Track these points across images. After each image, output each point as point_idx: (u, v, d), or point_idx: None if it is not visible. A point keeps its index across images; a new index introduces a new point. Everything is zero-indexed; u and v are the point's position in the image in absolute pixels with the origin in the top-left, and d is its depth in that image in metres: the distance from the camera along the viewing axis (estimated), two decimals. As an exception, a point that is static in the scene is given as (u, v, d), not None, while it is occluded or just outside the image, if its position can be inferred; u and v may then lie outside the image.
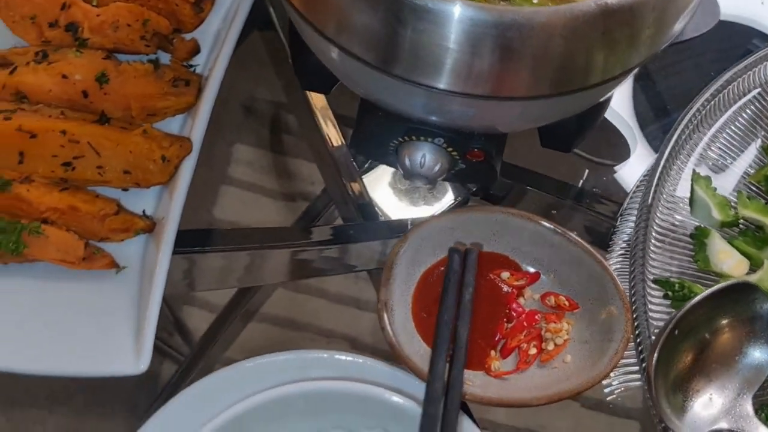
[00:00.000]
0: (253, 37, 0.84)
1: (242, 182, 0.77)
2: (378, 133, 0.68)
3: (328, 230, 0.78)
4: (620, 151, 0.85)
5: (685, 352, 0.62)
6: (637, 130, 0.85)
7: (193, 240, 0.72)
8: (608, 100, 0.77)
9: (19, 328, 0.63)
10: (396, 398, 0.55)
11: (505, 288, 0.68)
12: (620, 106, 0.86)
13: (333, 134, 0.81)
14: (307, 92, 0.81)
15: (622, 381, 0.68)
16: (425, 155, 0.67)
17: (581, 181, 0.84)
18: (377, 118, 0.68)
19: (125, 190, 0.69)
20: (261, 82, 0.83)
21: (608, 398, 0.69)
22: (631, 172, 0.81)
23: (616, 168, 0.84)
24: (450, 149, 0.67)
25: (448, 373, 0.55)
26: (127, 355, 0.61)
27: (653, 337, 0.64)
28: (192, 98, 0.71)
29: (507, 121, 0.66)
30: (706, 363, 0.63)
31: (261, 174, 0.78)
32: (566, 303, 0.67)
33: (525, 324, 0.67)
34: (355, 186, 0.79)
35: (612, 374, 0.66)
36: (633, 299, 0.66)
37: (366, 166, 0.79)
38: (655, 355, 0.60)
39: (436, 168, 0.68)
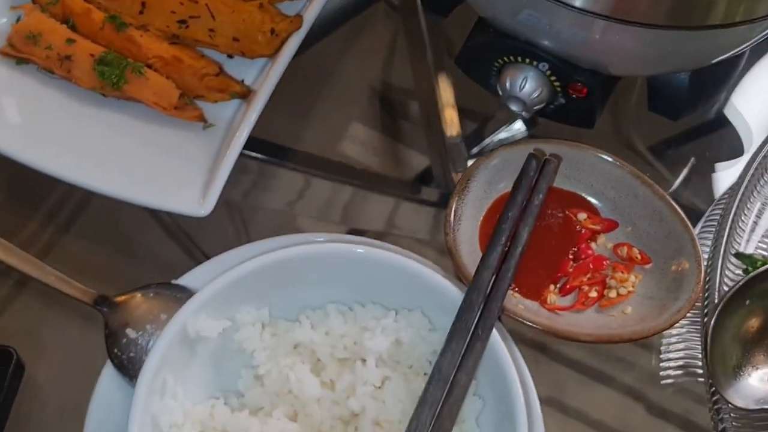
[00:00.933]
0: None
1: (350, 159, 0.76)
2: (486, 51, 0.68)
3: (436, 192, 0.76)
4: (732, 149, 0.81)
5: (751, 322, 0.59)
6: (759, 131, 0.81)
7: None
8: (727, 79, 0.74)
9: (106, 155, 0.65)
10: (440, 278, 0.54)
11: (579, 228, 0.66)
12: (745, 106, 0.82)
13: (452, 123, 0.79)
14: (436, 81, 0.80)
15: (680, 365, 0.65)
16: (527, 79, 0.67)
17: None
18: (488, 36, 0.68)
19: (230, 57, 0.71)
20: (391, 68, 0.82)
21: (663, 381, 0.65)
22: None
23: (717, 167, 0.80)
24: (553, 78, 0.66)
25: (498, 266, 0.54)
26: (195, 197, 0.62)
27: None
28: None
29: (617, 57, 0.64)
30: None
31: (371, 155, 0.77)
32: (639, 256, 0.65)
33: (591, 266, 0.64)
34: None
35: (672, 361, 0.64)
36: (709, 262, 0.63)
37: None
38: (715, 315, 0.57)
39: (535, 94, 0.67)
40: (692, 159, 0.79)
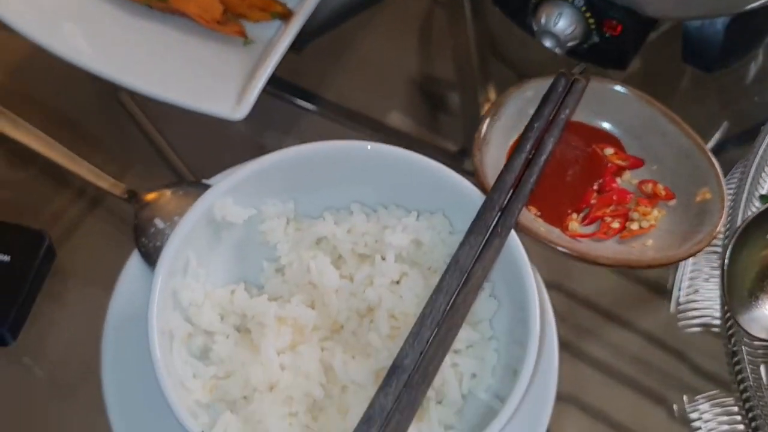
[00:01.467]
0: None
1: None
2: (523, -15, 0.69)
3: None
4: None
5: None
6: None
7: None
8: (763, 34, 0.75)
9: (151, 62, 0.68)
10: (463, 179, 0.55)
11: (605, 162, 0.67)
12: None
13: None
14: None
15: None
16: (561, 14, 0.67)
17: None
18: (525, -28, 0.69)
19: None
20: (436, 60, 0.83)
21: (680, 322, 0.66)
22: None
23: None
24: (588, 14, 0.67)
25: (522, 173, 0.55)
26: (231, 102, 0.64)
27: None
28: None
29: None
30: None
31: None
32: (663, 193, 0.65)
33: (615, 198, 0.65)
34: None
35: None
36: (732, 201, 0.64)
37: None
38: (734, 240, 0.57)
39: (569, 30, 0.68)
40: (725, 123, 0.80)
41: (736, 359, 0.59)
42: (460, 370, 0.53)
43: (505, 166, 0.55)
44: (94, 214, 0.66)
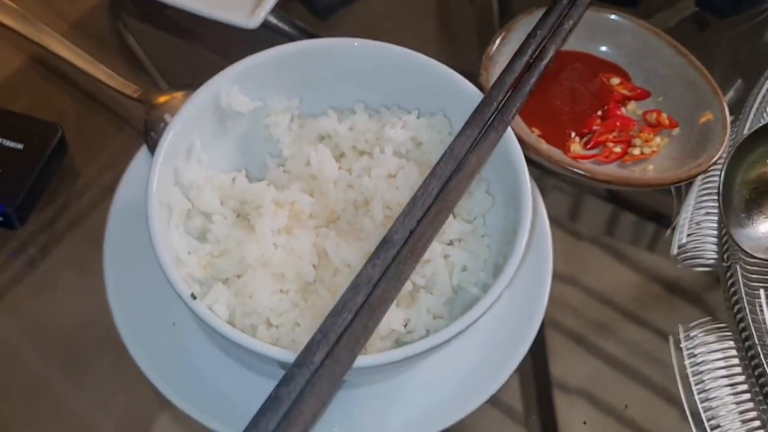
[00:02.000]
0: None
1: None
2: None
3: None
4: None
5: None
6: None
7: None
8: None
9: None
10: (464, 79, 0.56)
11: (610, 91, 0.67)
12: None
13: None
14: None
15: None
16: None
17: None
18: None
19: None
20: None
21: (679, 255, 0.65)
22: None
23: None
24: (601, -54, 0.68)
25: (520, 74, 0.56)
26: (246, 12, 0.66)
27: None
28: None
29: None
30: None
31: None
32: (667, 121, 0.66)
33: (618, 125, 0.66)
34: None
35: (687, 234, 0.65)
36: (734, 129, 0.64)
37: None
38: (732, 154, 0.58)
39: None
40: (739, 81, 0.80)
41: (731, 281, 0.59)
42: (452, 261, 0.54)
43: (506, 68, 0.56)
44: (106, 114, 0.67)
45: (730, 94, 0.77)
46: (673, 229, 0.65)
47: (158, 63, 0.71)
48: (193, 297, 0.49)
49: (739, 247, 0.57)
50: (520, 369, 0.56)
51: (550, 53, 0.57)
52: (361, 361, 0.47)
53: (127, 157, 0.61)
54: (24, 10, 0.67)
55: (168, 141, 0.53)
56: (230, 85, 0.56)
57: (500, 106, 0.54)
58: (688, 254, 0.64)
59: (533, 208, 0.52)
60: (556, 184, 0.67)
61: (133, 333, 0.55)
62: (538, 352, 0.59)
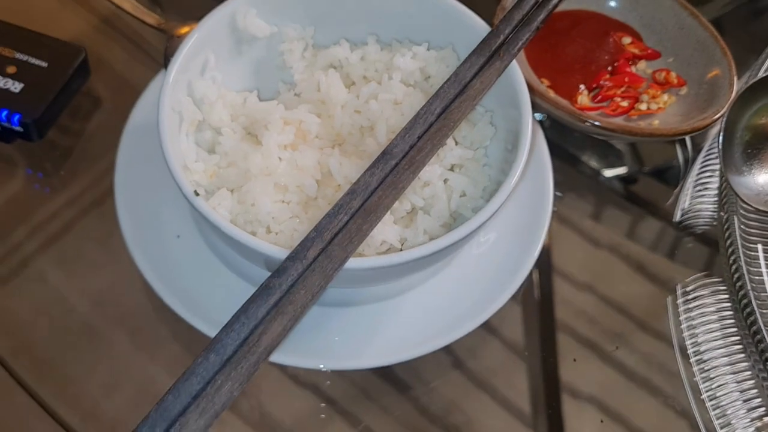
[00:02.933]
0: None
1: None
2: None
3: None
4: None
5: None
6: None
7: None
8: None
9: None
10: (474, 14, 0.57)
11: (621, 49, 0.68)
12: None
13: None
14: None
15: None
16: None
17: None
18: None
19: None
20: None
21: (681, 222, 0.66)
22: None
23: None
24: None
25: (528, 11, 0.57)
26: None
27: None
28: None
29: None
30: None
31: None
32: (675, 80, 0.67)
33: (627, 81, 0.67)
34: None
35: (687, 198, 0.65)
36: (741, 85, 0.65)
37: None
38: (733, 101, 0.58)
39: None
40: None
41: (728, 232, 0.60)
42: (451, 185, 0.55)
43: (515, 4, 0.57)
44: (128, 43, 0.70)
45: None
46: (677, 198, 0.66)
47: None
48: (197, 194, 0.50)
49: (736, 194, 0.58)
50: (530, 372, 0.58)
51: (561, -13, 0.58)
52: (355, 263, 0.48)
53: (146, 82, 0.63)
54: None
55: (185, 52, 0.54)
56: (248, 7, 0.57)
57: (507, 38, 0.56)
58: (690, 216, 0.65)
59: (532, 139, 0.53)
60: (574, 187, 0.67)
61: (139, 244, 0.56)
62: (548, 356, 0.60)
